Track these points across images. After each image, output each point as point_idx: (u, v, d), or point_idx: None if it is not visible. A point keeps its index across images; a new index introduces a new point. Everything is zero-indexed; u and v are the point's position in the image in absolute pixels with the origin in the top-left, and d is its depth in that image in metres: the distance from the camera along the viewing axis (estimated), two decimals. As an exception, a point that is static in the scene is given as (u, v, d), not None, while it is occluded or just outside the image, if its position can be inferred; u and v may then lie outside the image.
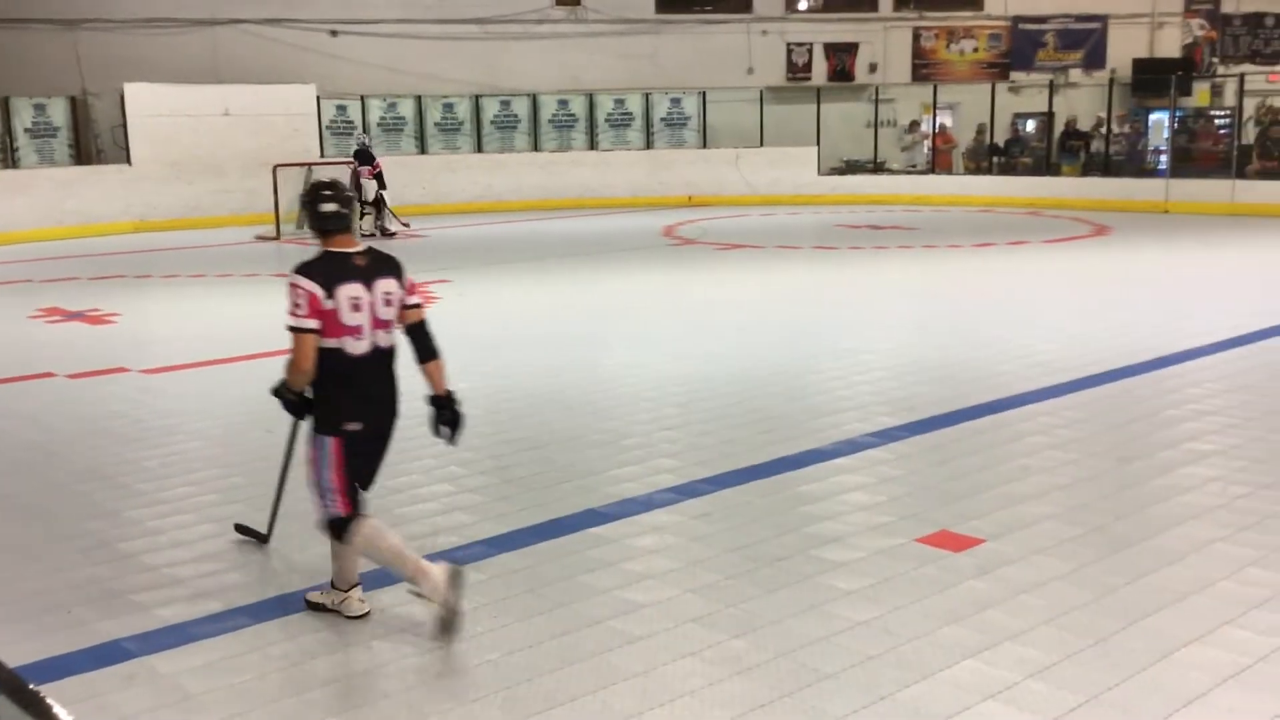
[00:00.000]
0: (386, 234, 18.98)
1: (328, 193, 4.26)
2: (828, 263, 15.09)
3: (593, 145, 24.64)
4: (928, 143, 24.68)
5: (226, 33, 23.38)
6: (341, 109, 23.29)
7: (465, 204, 22.98)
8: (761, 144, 24.33)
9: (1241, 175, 20.17)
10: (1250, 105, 21.73)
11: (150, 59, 22.21)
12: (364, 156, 18.97)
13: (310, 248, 4.34)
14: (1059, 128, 23.23)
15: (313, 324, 4.05)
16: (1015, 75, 26.15)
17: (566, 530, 5.23)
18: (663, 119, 24.84)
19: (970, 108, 24.84)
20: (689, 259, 15.51)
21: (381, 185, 19.11)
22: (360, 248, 4.27)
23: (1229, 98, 23.53)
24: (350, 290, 4.11)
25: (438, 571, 4.09)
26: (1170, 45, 26.36)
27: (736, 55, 25.75)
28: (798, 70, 26.21)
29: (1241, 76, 21.44)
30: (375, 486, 5.78)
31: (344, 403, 4.16)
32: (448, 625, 4.08)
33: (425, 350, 4.36)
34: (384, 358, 4.25)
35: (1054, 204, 21.37)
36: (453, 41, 24.57)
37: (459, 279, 13.67)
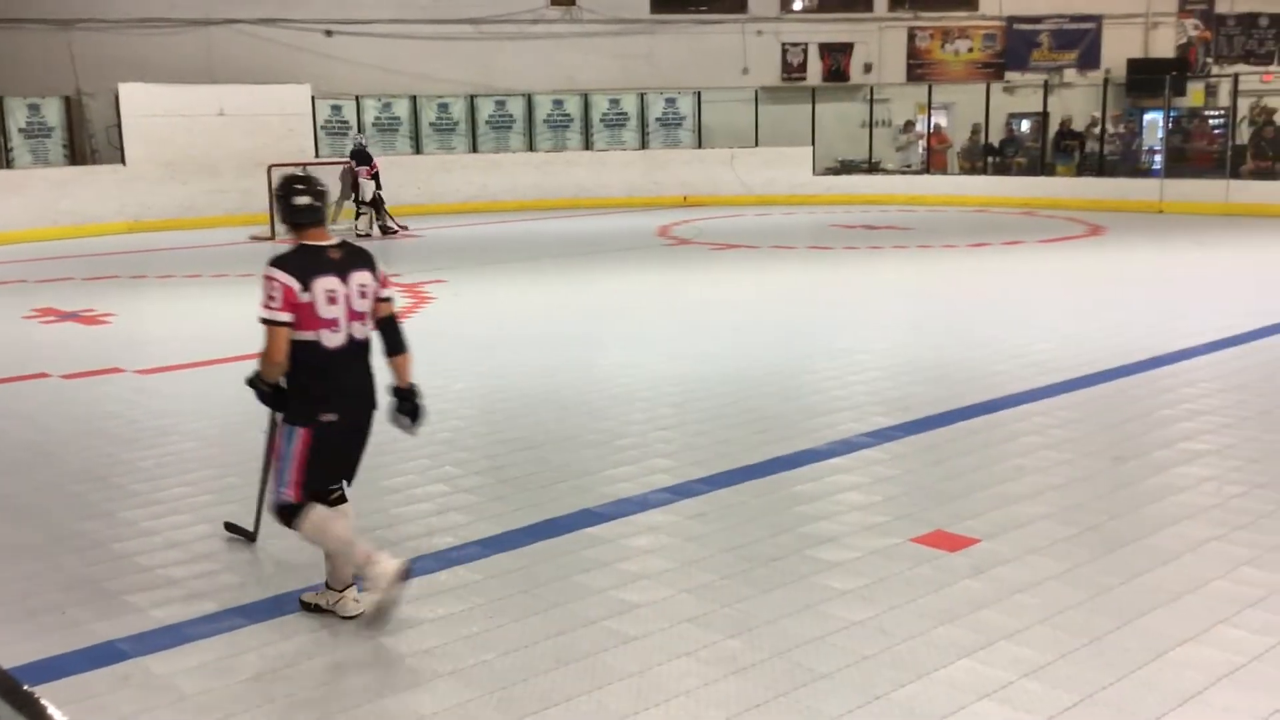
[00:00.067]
0: (388, 232, 18.95)
1: (300, 186, 4.28)
2: (823, 263, 15.10)
3: (588, 145, 24.64)
4: (923, 143, 24.70)
5: (221, 33, 23.36)
6: (336, 109, 23.28)
7: (460, 204, 22.99)
8: (756, 144, 24.35)
9: (1236, 175, 20.21)
10: (1244, 105, 21.76)
11: (145, 59, 22.19)
12: (362, 156, 18.94)
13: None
14: (1054, 128, 23.28)
15: (285, 316, 4.08)
16: (1010, 75, 26.19)
17: (561, 530, 5.23)
18: (658, 119, 24.85)
19: (965, 108, 24.87)
20: (684, 259, 15.51)
21: (377, 185, 19.08)
22: (334, 241, 4.30)
23: (1223, 98, 23.58)
24: (326, 283, 4.14)
25: (387, 563, 4.14)
26: (1164, 45, 26.41)
27: (731, 55, 25.76)
28: (793, 70, 26.23)
29: (1236, 77, 21.50)
30: (371, 487, 5.82)
31: (319, 394, 4.18)
32: (381, 615, 4.14)
33: (394, 344, 4.42)
34: (360, 350, 4.28)
35: (1049, 204, 21.40)
36: (447, 41, 24.57)
37: (454, 279, 13.66)
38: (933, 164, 24.44)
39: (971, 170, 23.92)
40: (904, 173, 24.43)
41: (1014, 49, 26.43)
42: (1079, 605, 4.30)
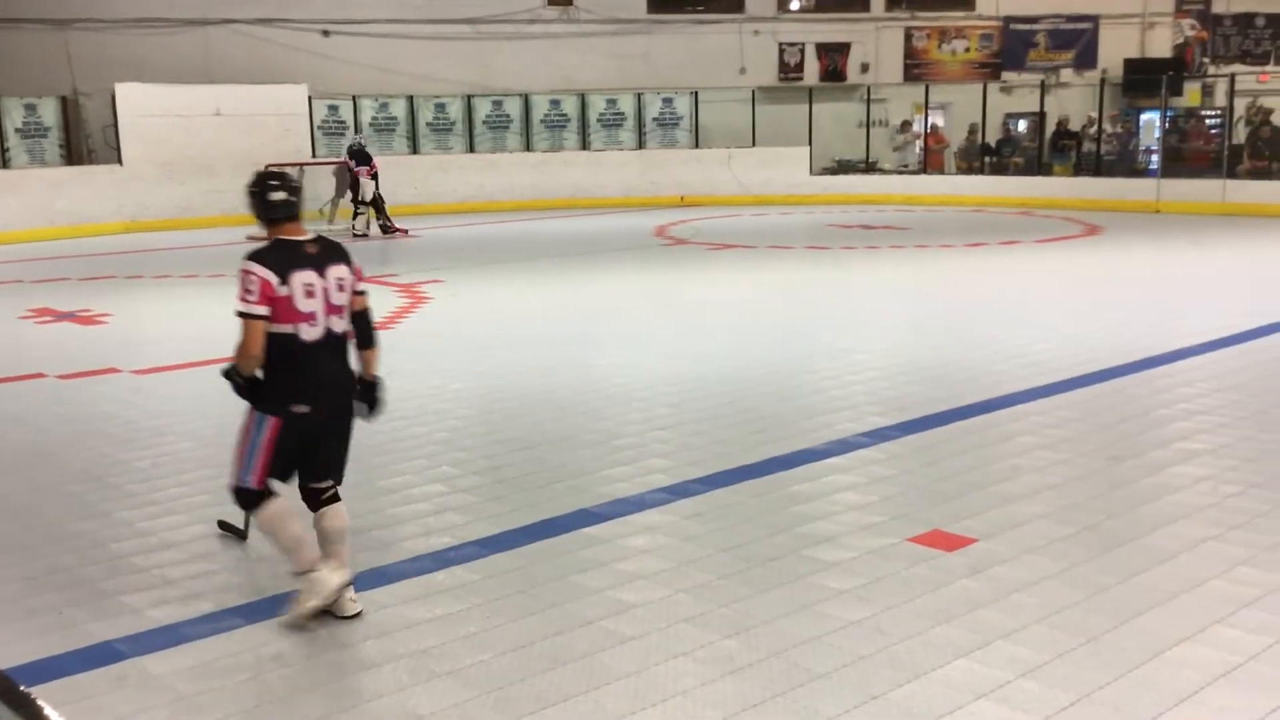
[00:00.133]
0: (388, 232, 18.92)
1: (274, 182, 4.30)
2: (820, 263, 15.10)
3: (585, 145, 24.64)
4: (919, 143, 24.72)
5: (218, 32, 23.34)
6: (333, 109, 23.26)
7: (457, 204, 22.98)
8: (754, 144, 24.35)
9: (1232, 175, 20.24)
10: (1241, 105, 21.78)
11: (142, 59, 22.17)
12: (361, 156, 18.91)
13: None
14: (1050, 128, 23.29)
15: (262, 310, 4.10)
16: (1007, 75, 26.21)
17: (559, 530, 5.23)
18: (655, 119, 24.85)
19: (962, 108, 24.88)
20: (681, 259, 15.51)
21: (376, 185, 19.05)
22: (310, 235, 4.32)
23: (1220, 98, 23.59)
24: (304, 277, 4.17)
25: (329, 575, 4.23)
26: (1161, 45, 26.43)
27: (729, 55, 25.77)
28: (790, 70, 26.23)
29: (1232, 76, 21.50)
30: (368, 487, 5.82)
31: (294, 385, 4.21)
32: (299, 616, 4.23)
33: (365, 338, 4.46)
34: (337, 343, 4.31)
35: (1046, 204, 21.42)
36: (445, 41, 24.56)
37: (451, 279, 13.66)
38: (930, 164, 24.45)
39: (968, 170, 23.93)
40: (901, 173, 24.45)
41: (1011, 49, 26.45)
42: (1076, 605, 4.30)
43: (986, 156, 23.73)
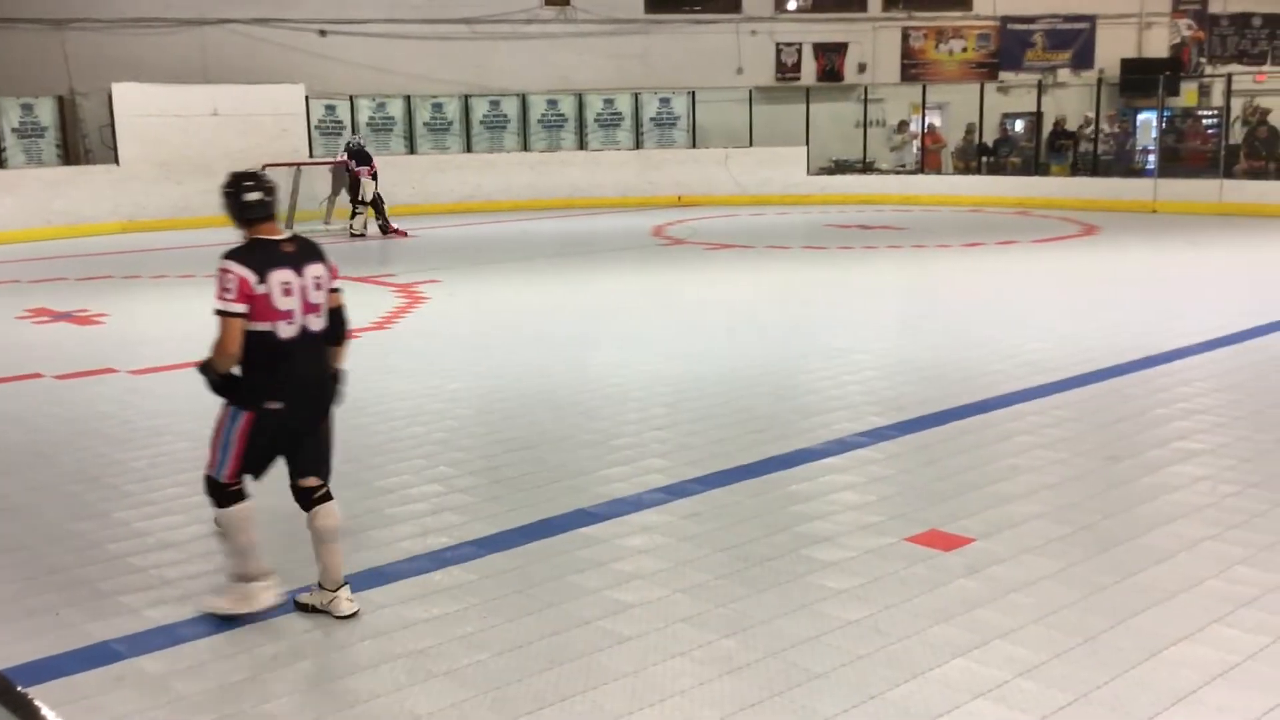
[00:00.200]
0: (387, 232, 18.88)
1: (250, 183, 4.33)
2: (817, 262, 15.10)
3: (582, 145, 24.63)
4: (917, 143, 24.73)
5: (215, 32, 23.32)
6: (330, 109, 23.24)
7: (454, 204, 22.96)
8: (751, 144, 24.34)
9: (1229, 175, 20.25)
10: (1237, 105, 21.80)
11: (138, 59, 22.13)
12: (361, 156, 18.88)
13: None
14: (1047, 128, 23.31)
15: (240, 308, 4.13)
16: (1004, 75, 26.21)
17: (556, 530, 5.23)
18: (652, 119, 24.84)
19: (959, 108, 24.87)
20: (678, 259, 15.51)
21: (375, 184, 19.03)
22: (286, 235, 4.35)
23: (1216, 98, 23.63)
24: (281, 275, 4.19)
25: (263, 593, 4.33)
26: (1158, 45, 26.44)
27: (726, 55, 25.76)
28: (787, 70, 26.23)
29: (1229, 76, 21.52)
30: (366, 487, 5.82)
31: (269, 382, 4.23)
32: (211, 607, 4.35)
33: (336, 334, 4.46)
34: (313, 341, 4.33)
35: (1042, 204, 21.43)
36: (441, 41, 24.54)
37: (448, 279, 13.65)
38: (927, 164, 24.46)
39: (966, 170, 23.94)
40: (898, 173, 24.45)
41: (1008, 49, 26.45)
42: (1073, 604, 4.31)
43: (983, 156, 23.74)
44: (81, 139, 22.31)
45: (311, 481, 4.38)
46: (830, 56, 26.29)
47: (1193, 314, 10.49)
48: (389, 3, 24.28)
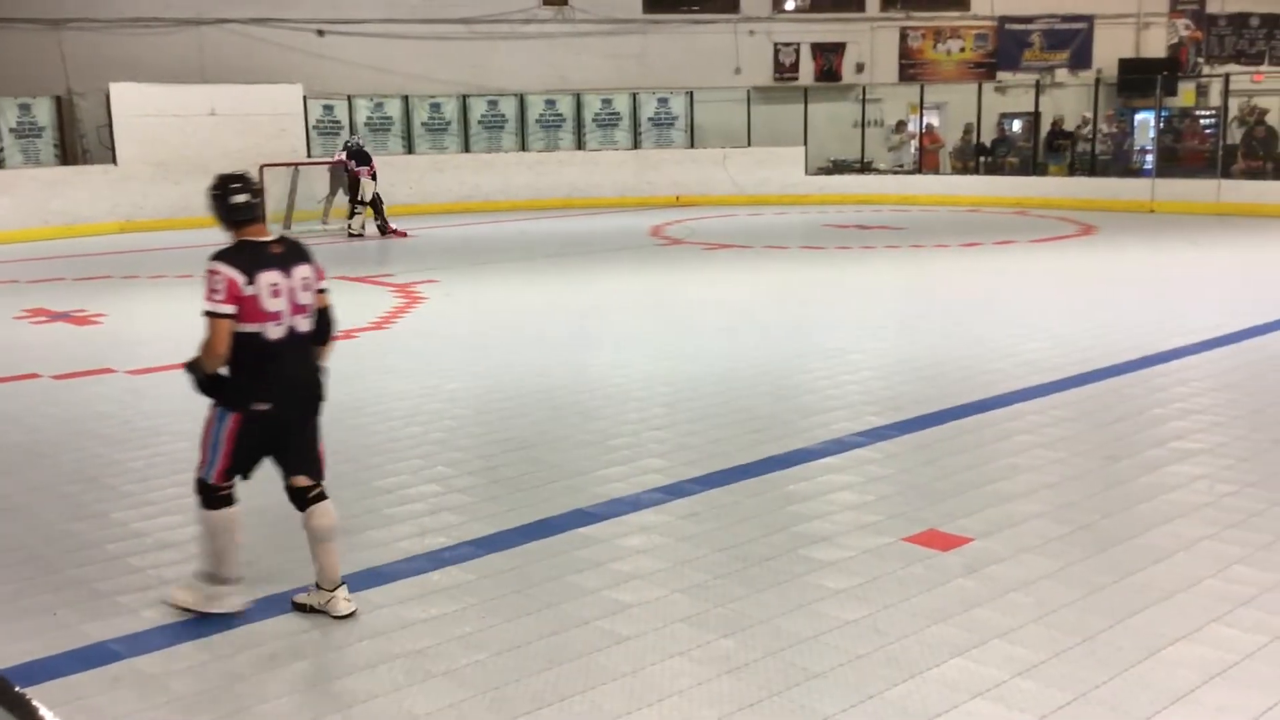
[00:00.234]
0: (385, 233, 18.87)
1: (236, 185, 4.33)
2: (815, 262, 15.10)
3: (580, 145, 24.63)
4: (914, 143, 24.72)
5: (213, 32, 23.30)
6: (328, 109, 23.23)
7: (453, 204, 22.96)
8: (749, 144, 24.35)
9: (1227, 175, 20.27)
10: (1235, 105, 21.82)
11: (136, 58, 22.11)
12: (361, 156, 18.86)
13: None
14: (1045, 128, 23.31)
15: (228, 309, 4.13)
16: (1002, 75, 26.21)
17: (554, 530, 5.22)
18: (650, 119, 24.84)
19: (957, 108, 24.88)
20: (676, 259, 15.51)
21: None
22: (273, 236, 4.36)
23: (1214, 98, 23.64)
24: (270, 277, 4.20)
25: (228, 598, 4.33)
26: (1156, 45, 26.45)
27: (724, 55, 25.76)
28: (785, 70, 26.23)
29: (1226, 76, 21.53)
30: (364, 487, 5.82)
31: (256, 383, 4.23)
32: (173, 599, 4.41)
33: (321, 334, 4.47)
34: (301, 342, 4.34)
35: (1040, 204, 21.44)
36: (440, 41, 24.53)
37: (447, 279, 13.65)
38: (925, 164, 24.47)
39: (963, 170, 23.95)
40: (896, 172, 24.45)
41: (1006, 49, 26.46)
42: (1072, 604, 4.31)
43: (981, 156, 23.75)
44: (79, 139, 22.29)
45: (304, 481, 4.37)
46: (828, 56, 26.30)
47: (1191, 313, 10.50)
48: (387, 3, 24.27)
